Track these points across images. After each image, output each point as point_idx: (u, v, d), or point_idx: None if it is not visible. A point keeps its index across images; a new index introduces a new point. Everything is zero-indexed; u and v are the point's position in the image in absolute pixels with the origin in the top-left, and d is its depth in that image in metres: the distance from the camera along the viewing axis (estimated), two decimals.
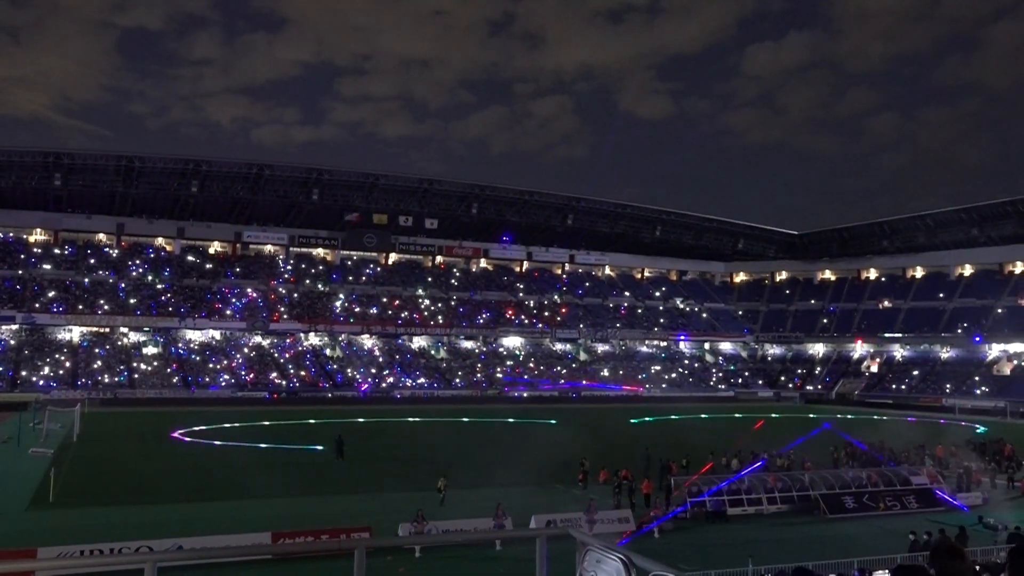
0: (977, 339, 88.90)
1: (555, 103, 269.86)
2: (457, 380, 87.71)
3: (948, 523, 25.51)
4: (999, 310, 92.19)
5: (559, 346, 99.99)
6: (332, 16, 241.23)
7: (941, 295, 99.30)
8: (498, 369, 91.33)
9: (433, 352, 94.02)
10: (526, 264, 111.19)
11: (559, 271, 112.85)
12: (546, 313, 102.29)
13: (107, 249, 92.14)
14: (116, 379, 75.47)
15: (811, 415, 69.36)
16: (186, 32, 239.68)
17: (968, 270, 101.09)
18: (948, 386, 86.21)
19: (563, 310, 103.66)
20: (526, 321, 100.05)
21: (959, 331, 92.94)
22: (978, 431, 57.82)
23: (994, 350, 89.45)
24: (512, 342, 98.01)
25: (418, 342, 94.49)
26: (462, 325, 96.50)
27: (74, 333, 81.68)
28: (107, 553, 20.04)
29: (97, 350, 79.91)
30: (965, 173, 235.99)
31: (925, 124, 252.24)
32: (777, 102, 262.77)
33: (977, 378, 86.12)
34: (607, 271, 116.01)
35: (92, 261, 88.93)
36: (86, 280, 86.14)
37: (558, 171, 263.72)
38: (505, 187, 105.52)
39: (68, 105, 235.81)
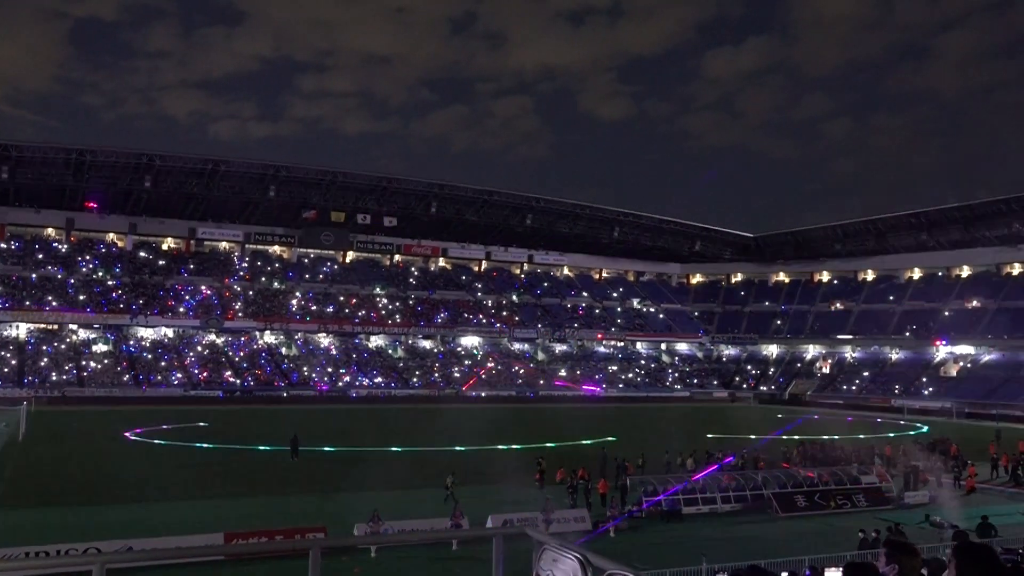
0: (943, 341, 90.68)
1: (516, 103, 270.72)
2: (415, 380, 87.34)
3: (894, 521, 26.08)
4: (946, 313, 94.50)
5: (517, 346, 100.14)
6: (292, 10, 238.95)
7: (891, 298, 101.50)
8: (455, 368, 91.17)
9: (390, 351, 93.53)
10: (485, 264, 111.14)
11: (518, 271, 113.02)
12: (504, 313, 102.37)
13: (56, 244, 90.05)
14: (65, 377, 73.83)
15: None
16: (142, 23, 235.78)
17: (917, 273, 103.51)
18: (897, 387, 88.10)
19: (521, 310, 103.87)
20: (484, 321, 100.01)
21: (908, 333, 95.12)
22: (923, 430, 59.14)
23: (941, 352, 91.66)
24: (470, 341, 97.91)
25: (375, 341, 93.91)
26: (420, 324, 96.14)
27: (21, 330, 79.69)
28: (54, 555, 19.56)
29: (45, 347, 78.04)
30: (915, 179, 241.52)
31: (877, 130, 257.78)
32: (735, 106, 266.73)
33: (925, 379, 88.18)
34: (565, 271, 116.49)
35: (40, 256, 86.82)
36: (33, 276, 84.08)
37: (518, 171, 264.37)
38: (465, 186, 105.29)
39: (17, 95, 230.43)
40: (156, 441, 46.92)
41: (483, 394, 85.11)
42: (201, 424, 55.26)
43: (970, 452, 41.30)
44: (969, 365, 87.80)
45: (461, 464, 36.23)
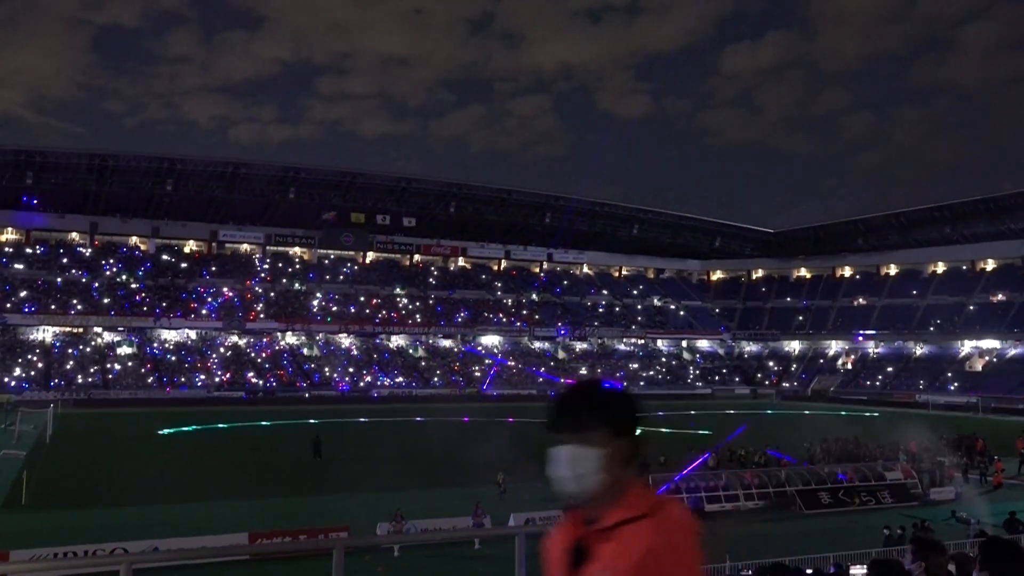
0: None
1: (534, 102, 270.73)
2: (435, 379, 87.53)
3: (920, 518, 25.84)
4: (971, 307, 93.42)
5: (537, 344, 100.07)
6: (311, 14, 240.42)
7: (914, 292, 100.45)
8: (476, 368, 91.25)
9: (411, 351, 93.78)
10: (504, 263, 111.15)
11: (537, 269, 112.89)
12: (524, 312, 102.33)
13: (80, 248, 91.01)
14: (90, 380, 74.63)
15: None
16: (163, 29, 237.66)
17: (941, 267, 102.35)
18: (921, 382, 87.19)
19: (541, 308, 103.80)
20: (504, 320, 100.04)
21: (932, 328, 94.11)
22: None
23: (966, 346, 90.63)
24: (490, 341, 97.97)
25: (396, 341, 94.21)
26: (440, 324, 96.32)
27: (47, 333, 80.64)
28: (81, 555, 19.79)
29: (70, 350, 78.94)
30: (938, 172, 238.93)
31: (899, 123, 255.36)
32: (754, 101, 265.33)
33: (950, 374, 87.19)
34: (585, 269, 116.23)
35: (65, 260, 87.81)
36: (59, 280, 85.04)
37: (537, 170, 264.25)
38: (483, 186, 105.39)
39: (42, 103, 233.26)
40: (181, 442, 47.31)
41: (504, 393, 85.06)
42: (224, 425, 55.69)
43: (997, 447, 40.83)
44: (995, 360, 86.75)
45: (481, 461, 36.25)
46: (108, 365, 77.99)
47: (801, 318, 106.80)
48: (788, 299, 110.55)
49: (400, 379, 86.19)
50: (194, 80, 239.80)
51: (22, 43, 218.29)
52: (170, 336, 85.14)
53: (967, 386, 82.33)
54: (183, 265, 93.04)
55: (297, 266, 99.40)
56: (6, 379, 71.41)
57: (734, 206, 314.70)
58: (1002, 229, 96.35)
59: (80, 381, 73.86)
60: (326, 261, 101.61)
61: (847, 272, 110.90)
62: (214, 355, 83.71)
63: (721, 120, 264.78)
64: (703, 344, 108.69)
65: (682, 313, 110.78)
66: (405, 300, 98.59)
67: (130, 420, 57.33)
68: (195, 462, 39.32)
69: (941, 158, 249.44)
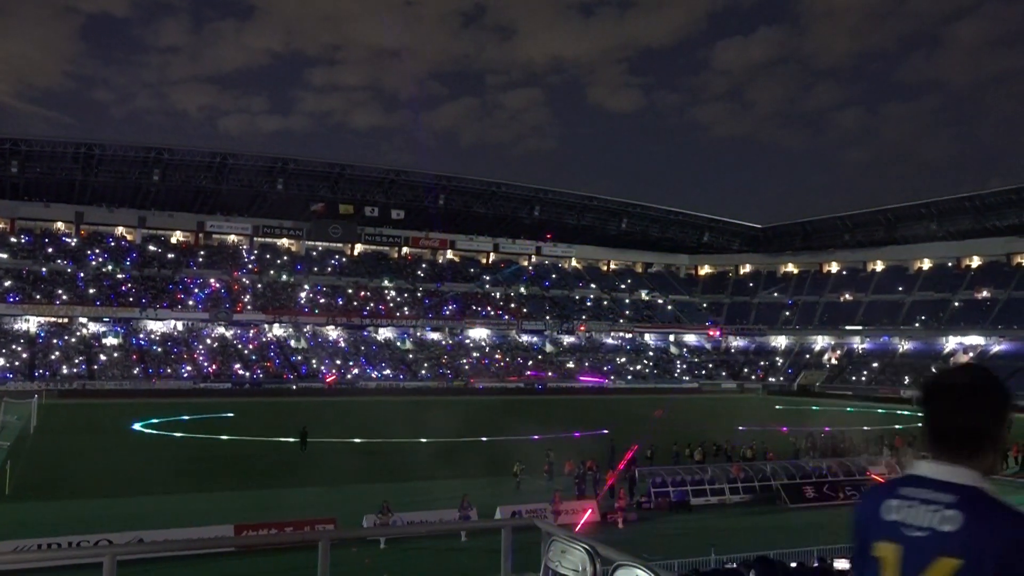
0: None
1: (526, 95, 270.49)
2: (423, 372, 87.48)
3: None
4: (956, 303, 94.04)
5: (525, 338, 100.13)
6: (302, 5, 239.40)
7: (900, 288, 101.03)
8: (464, 361, 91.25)
9: (399, 343, 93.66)
10: (492, 256, 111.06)
11: (526, 263, 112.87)
12: (512, 305, 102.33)
13: (66, 238, 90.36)
14: (75, 370, 74.20)
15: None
16: (152, 18, 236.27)
17: (927, 264, 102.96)
18: (906, 378, 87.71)
19: (529, 302, 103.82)
20: (492, 313, 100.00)
21: (917, 324, 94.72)
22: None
23: (951, 343, 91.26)
24: (478, 334, 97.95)
25: (384, 333, 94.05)
26: (428, 316, 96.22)
27: (31, 323, 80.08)
28: (65, 547, 19.71)
29: (55, 341, 78.43)
30: (925, 168, 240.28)
31: (888, 120, 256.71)
32: (745, 96, 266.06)
33: (934, 370, 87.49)
34: (574, 263, 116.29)
35: (50, 250, 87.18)
36: (44, 269, 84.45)
37: (527, 163, 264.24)
38: (472, 178, 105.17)
39: (29, 91, 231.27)
40: (166, 433, 47.15)
41: (492, 386, 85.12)
42: (211, 416, 55.49)
43: None
44: (979, 356, 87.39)
45: (471, 455, 36.30)
46: (94, 356, 77.55)
47: (788, 313, 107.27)
48: (775, 294, 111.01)
49: (388, 372, 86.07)
50: (184, 70, 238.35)
51: (9, 31, 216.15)
52: (156, 327, 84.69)
53: None
54: (170, 256, 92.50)
55: (285, 258, 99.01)
56: None
57: (723, 201, 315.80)
58: (988, 226, 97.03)
59: (65, 372, 73.45)
60: (314, 253, 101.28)
61: (834, 268, 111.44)
62: (201, 346, 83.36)
63: (712, 115, 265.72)
64: (690, 338, 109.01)
65: (669, 307, 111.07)
66: (393, 292, 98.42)
67: (115, 411, 56.99)
68: (181, 453, 39.19)
69: (929, 155, 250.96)
